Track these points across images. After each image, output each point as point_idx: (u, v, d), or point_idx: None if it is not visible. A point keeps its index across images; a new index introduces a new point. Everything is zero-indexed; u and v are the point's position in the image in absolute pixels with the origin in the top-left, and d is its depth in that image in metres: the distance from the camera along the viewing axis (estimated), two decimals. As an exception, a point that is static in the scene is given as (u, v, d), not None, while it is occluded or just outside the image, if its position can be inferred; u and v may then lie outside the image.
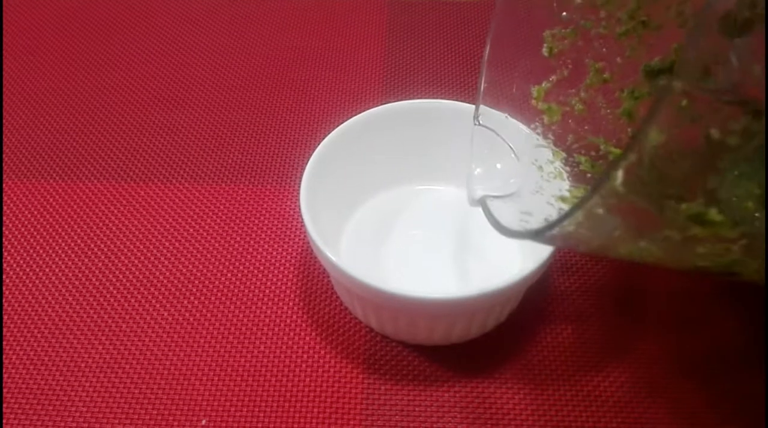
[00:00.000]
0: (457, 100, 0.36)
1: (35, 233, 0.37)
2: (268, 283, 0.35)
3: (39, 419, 0.30)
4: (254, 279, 0.35)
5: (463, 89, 0.45)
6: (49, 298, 0.34)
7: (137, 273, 0.35)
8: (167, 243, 0.37)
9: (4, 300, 0.34)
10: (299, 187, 0.32)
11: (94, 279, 0.35)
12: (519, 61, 0.31)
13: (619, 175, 0.19)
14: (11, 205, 0.39)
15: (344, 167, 0.34)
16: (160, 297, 0.34)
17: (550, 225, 0.21)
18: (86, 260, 0.36)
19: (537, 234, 0.22)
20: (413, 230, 0.36)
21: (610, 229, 0.22)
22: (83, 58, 0.48)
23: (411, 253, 0.35)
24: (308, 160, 0.33)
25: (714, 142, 0.19)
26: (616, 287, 0.35)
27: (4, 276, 0.35)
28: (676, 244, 0.22)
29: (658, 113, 0.18)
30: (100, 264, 0.36)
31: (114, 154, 0.42)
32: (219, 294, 0.35)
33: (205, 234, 0.37)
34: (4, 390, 0.31)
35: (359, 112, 0.35)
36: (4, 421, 0.30)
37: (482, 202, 0.30)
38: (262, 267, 0.36)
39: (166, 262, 0.36)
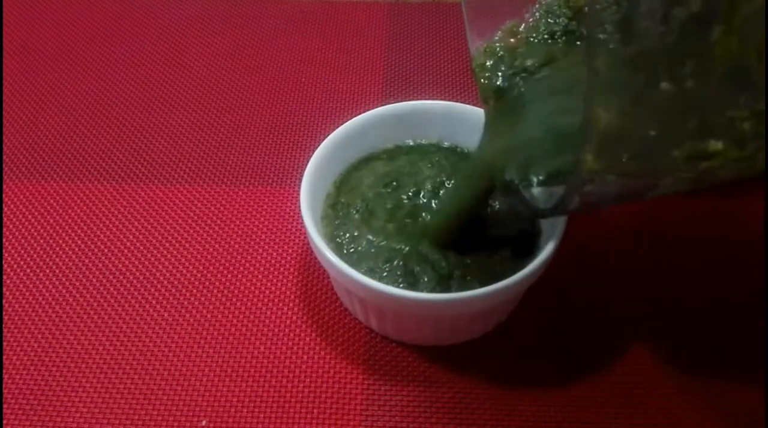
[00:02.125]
0: (457, 101, 0.36)
1: (35, 234, 0.37)
2: (268, 284, 0.35)
3: (39, 419, 0.30)
4: (254, 279, 0.35)
5: (464, 91, 0.45)
6: (49, 298, 0.34)
7: (137, 273, 0.35)
8: (167, 245, 0.37)
9: (4, 300, 0.34)
10: (299, 187, 0.32)
11: (94, 280, 0.35)
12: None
13: (589, 159, 0.19)
14: (11, 205, 0.39)
15: (344, 168, 0.35)
16: (160, 297, 0.35)
17: (556, 208, 0.21)
18: (86, 261, 0.36)
19: (556, 210, 0.22)
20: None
21: (616, 192, 0.21)
22: (83, 59, 0.48)
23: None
24: (308, 161, 0.33)
25: (670, 92, 0.19)
26: (616, 287, 0.35)
27: (4, 277, 0.35)
28: (695, 179, 0.21)
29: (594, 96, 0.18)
30: (100, 264, 0.36)
31: (114, 155, 0.42)
32: (219, 294, 0.35)
33: (205, 235, 0.37)
34: (4, 391, 0.31)
35: (359, 113, 0.35)
36: (4, 421, 0.30)
37: (512, 186, 0.29)
38: (262, 268, 0.36)
39: (167, 263, 0.36)
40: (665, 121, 0.20)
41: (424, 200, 0.33)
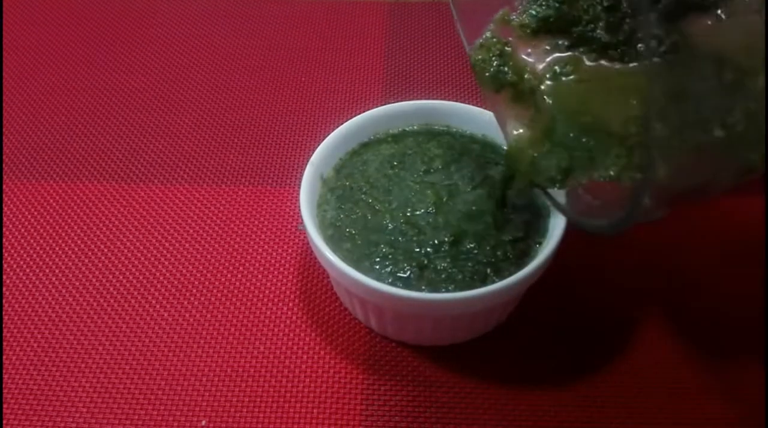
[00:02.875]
0: (457, 100, 0.36)
1: (35, 233, 0.37)
2: (268, 284, 0.35)
3: (39, 419, 0.30)
4: (254, 279, 0.35)
5: (463, 90, 0.45)
6: (49, 298, 0.34)
7: (137, 273, 0.35)
8: (167, 244, 0.37)
9: (4, 301, 0.34)
10: (299, 187, 0.32)
11: (93, 280, 0.35)
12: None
13: (648, 202, 0.20)
14: (11, 205, 0.39)
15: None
16: (160, 297, 0.34)
17: (621, 222, 0.22)
18: (86, 260, 0.36)
19: (618, 225, 0.23)
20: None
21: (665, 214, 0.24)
22: (83, 59, 0.48)
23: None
24: (308, 161, 0.33)
25: (723, 137, 0.20)
26: (616, 287, 0.35)
27: (4, 277, 0.35)
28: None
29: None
30: (99, 264, 0.36)
31: (114, 154, 0.42)
32: (219, 294, 0.35)
33: (205, 234, 0.37)
34: (4, 391, 0.31)
35: (360, 113, 0.35)
36: (4, 421, 0.30)
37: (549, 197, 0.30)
38: (262, 268, 0.36)
39: (166, 263, 0.36)
40: (718, 160, 0.21)
41: (434, 180, 0.33)
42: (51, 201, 0.39)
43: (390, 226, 0.31)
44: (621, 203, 0.24)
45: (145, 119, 0.44)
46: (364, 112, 0.35)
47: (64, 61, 0.48)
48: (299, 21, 0.51)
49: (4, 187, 0.40)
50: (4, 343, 0.33)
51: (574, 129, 0.28)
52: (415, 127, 0.36)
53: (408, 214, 0.31)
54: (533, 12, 0.29)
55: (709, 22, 0.22)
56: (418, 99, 0.36)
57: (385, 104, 0.36)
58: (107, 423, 0.30)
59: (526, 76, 0.30)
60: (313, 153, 0.33)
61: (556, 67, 0.29)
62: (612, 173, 0.26)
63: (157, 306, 0.34)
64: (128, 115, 0.44)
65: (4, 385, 0.31)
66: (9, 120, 0.44)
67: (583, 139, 0.27)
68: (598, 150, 0.27)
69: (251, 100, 0.45)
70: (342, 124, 0.34)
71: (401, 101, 0.36)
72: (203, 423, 0.30)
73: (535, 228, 0.31)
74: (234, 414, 0.30)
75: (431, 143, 0.35)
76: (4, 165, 0.41)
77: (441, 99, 0.37)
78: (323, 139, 0.34)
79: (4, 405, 0.31)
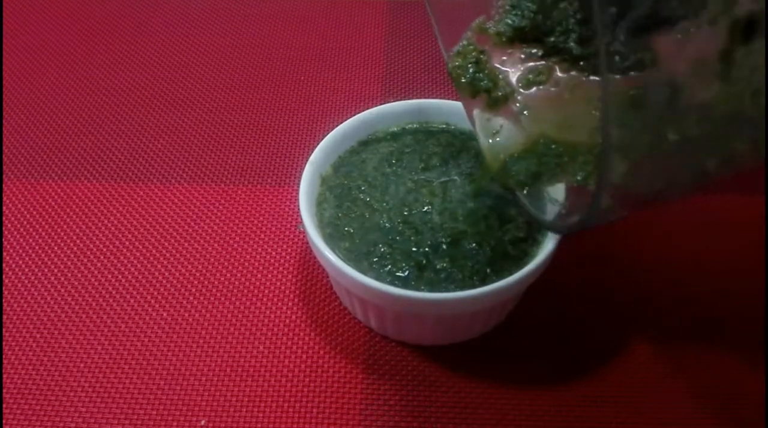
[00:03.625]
0: (456, 99, 0.36)
1: (35, 233, 0.37)
2: (268, 284, 0.35)
3: (39, 419, 0.30)
4: (254, 279, 0.35)
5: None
6: (49, 299, 0.34)
7: (137, 273, 0.35)
8: (167, 244, 0.37)
9: (4, 301, 0.34)
10: (299, 186, 0.32)
11: (93, 280, 0.35)
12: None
13: (607, 202, 0.21)
14: (11, 205, 0.39)
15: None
16: (160, 297, 0.34)
17: (581, 223, 0.23)
18: (86, 260, 0.36)
19: (581, 223, 0.23)
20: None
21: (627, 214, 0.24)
22: (83, 58, 0.48)
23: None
24: (308, 160, 0.33)
25: (677, 141, 0.21)
26: (616, 287, 0.35)
27: (4, 277, 0.35)
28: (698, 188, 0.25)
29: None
30: (99, 264, 0.36)
31: (114, 154, 0.42)
32: (219, 294, 0.35)
33: (204, 234, 0.37)
34: (4, 391, 0.31)
35: (359, 112, 0.35)
36: (4, 421, 0.30)
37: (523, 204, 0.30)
38: (261, 268, 0.36)
39: (166, 263, 0.36)
40: (676, 163, 0.22)
41: (431, 177, 0.33)
42: (51, 200, 0.39)
43: (387, 226, 0.31)
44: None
45: (145, 118, 0.44)
46: (363, 110, 0.35)
47: (64, 60, 0.48)
48: (298, 19, 0.51)
49: (4, 186, 0.40)
50: (4, 343, 0.33)
51: (545, 136, 0.28)
52: (415, 125, 0.36)
53: (405, 214, 0.31)
54: (509, 21, 0.30)
55: (679, 36, 0.22)
56: (417, 97, 0.36)
57: (384, 102, 0.36)
58: (107, 423, 0.30)
59: (500, 83, 0.30)
60: (312, 151, 0.33)
61: (530, 76, 0.30)
62: (579, 178, 0.27)
63: (157, 305, 0.34)
64: (127, 114, 0.44)
65: (4, 385, 0.31)
66: (9, 120, 0.44)
67: (552, 146, 0.28)
68: (566, 156, 0.28)
69: (250, 98, 0.45)
70: (341, 122, 0.34)
71: (400, 99, 0.36)
72: (203, 422, 0.30)
73: (536, 228, 0.31)
74: (233, 413, 0.30)
75: (430, 141, 0.35)
76: (3, 165, 0.41)
77: (440, 97, 0.36)
78: (323, 138, 0.34)
79: (4, 405, 0.31)
